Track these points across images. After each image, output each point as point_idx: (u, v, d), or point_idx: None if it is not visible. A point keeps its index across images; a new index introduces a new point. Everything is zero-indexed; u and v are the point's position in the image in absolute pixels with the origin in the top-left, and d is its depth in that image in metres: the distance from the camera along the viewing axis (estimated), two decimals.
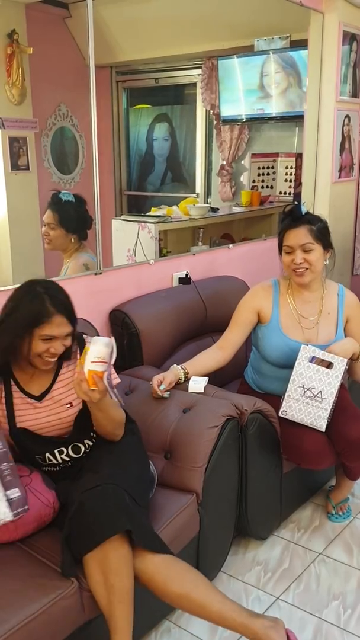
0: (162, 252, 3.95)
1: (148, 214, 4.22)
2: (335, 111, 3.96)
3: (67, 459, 2.08)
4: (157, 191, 5.79)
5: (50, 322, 1.91)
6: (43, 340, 1.92)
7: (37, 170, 4.36)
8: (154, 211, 4.28)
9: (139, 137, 5.82)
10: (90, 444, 2.11)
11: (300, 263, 2.50)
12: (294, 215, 2.55)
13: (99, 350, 1.80)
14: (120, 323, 2.80)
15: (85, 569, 1.80)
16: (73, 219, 3.05)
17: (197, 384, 2.56)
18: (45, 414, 2.04)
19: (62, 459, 2.08)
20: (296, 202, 2.60)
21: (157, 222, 3.85)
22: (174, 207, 4.27)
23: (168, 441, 2.32)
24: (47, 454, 2.06)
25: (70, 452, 2.08)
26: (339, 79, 3.92)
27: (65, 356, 2.04)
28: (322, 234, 2.55)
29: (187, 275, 3.22)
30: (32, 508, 1.93)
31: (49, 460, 2.07)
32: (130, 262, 3.75)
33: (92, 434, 2.10)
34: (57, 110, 4.74)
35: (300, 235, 2.50)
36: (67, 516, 1.85)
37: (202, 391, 2.53)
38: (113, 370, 2.05)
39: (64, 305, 1.96)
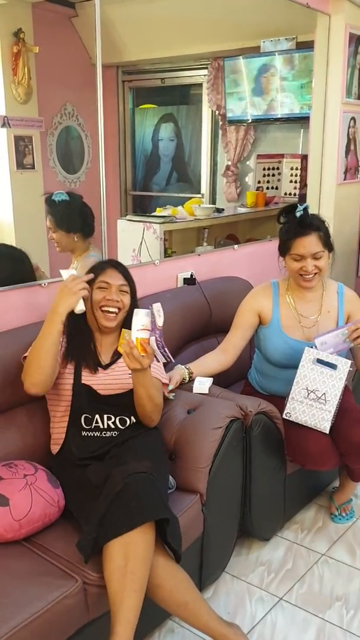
0: (167, 253, 3.95)
1: (153, 214, 4.22)
2: (341, 113, 3.96)
3: (113, 426, 2.20)
4: (162, 191, 5.79)
5: (104, 272, 2.27)
6: (100, 288, 2.24)
7: (42, 170, 4.37)
8: (159, 211, 4.29)
9: (144, 137, 5.83)
10: (135, 422, 2.24)
11: (311, 270, 2.51)
12: (303, 223, 2.51)
13: (141, 319, 2.04)
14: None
15: (107, 553, 1.81)
16: (70, 218, 3.04)
17: (202, 385, 2.56)
18: (109, 377, 2.25)
19: (107, 425, 2.20)
20: (300, 204, 2.56)
21: (162, 223, 3.85)
22: (179, 208, 4.27)
23: (172, 442, 2.33)
24: (97, 415, 2.20)
25: (117, 422, 2.21)
26: (344, 80, 3.92)
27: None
28: (328, 238, 2.55)
29: (192, 275, 3.23)
30: (37, 507, 1.94)
31: (96, 422, 2.19)
32: (135, 262, 3.75)
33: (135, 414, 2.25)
34: (63, 109, 4.75)
35: (312, 244, 2.49)
36: (105, 496, 1.88)
37: (207, 392, 2.54)
38: (163, 372, 2.39)
39: (118, 265, 2.33)
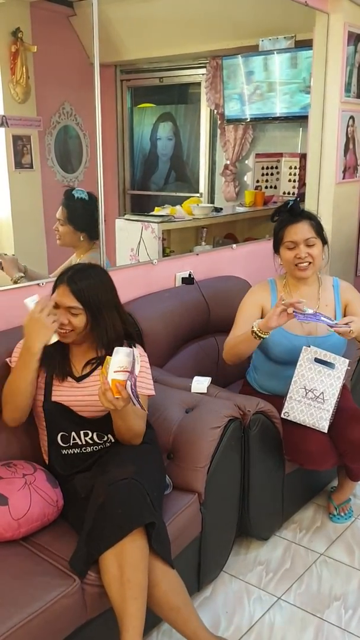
0: (166, 252, 3.95)
1: (151, 213, 4.22)
2: (340, 112, 3.96)
3: (91, 442, 2.13)
4: (160, 191, 5.79)
5: (57, 289, 2.10)
6: (55, 307, 2.09)
7: (40, 169, 4.37)
8: (157, 211, 4.29)
9: (142, 136, 5.82)
10: (113, 439, 2.15)
11: (305, 257, 2.52)
12: (293, 211, 2.57)
13: (121, 359, 1.86)
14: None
15: (102, 564, 1.81)
16: (82, 217, 3.04)
17: (200, 385, 2.56)
18: (82, 393, 2.13)
19: (85, 441, 2.12)
20: (293, 199, 2.62)
21: (161, 222, 3.85)
22: (178, 207, 4.27)
23: (171, 441, 2.32)
24: (73, 433, 2.11)
25: (95, 437, 2.13)
26: (343, 79, 3.92)
27: (106, 349, 2.13)
28: (320, 229, 2.59)
29: (190, 275, 3.23)
30: (35, 506, 1.94)
31: (73, 439, 2.12)
32: (134, 261, 3.75)
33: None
34: (61, 108, 4.74)
35: (303, 230, 2.52)
36: (90, 509, 1.87)
37: (205, 391, 2.54)
38: (150, 382, 2.20)
39: (76, 283, 2.08)
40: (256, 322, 2.40)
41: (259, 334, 2.39)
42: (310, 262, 2.53)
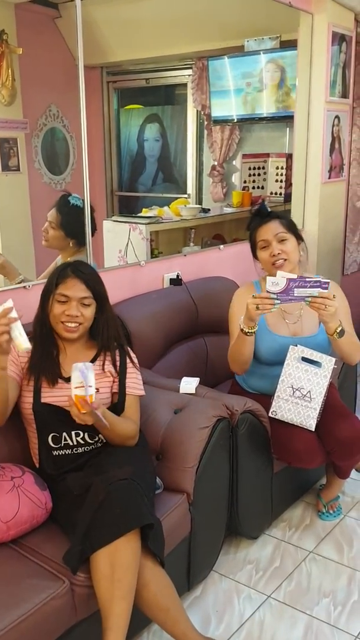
0: (154, 253, 3.96)
1: (139, 214, 4.23)
2: (325, 112, 3.98)
3: (82, 442, 2.13)
4: (148, 192, 5.80)
5: (65, 282, 2.08)
6: (59, 302, 2.08)
7: (27, 171, 4.36)
8: (145, 212, 4.29)
9: (129, 137, 5.83)
10: (105, 440, 2.15)
11: (278, 254, 2.53)
12: (261, 213, 2.62)
13: (76, 376, 1.89)
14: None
15: (94, 562, 1.82)
16: (75, 225, 3.02)
17: (189, 385, 2.57)
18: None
19: (77, 441, 2.12)
20: (260, 202, 2.66)
21: (148, 223, 3.86)
22: (165, 208, 4.28)
23: (159, 442, 2.33)
24: (64, 433, 2.11)
25: (86, 437, 2.13)
26: (328, 79, 3.94)
27: (104, 345, 2.19)
28: (292, 225, 2.61)
29: (178, 276, 3.23)
30: (24, 509, 1.94)
31: (65, 440, 2.11)
32: (122, 263, 3.76)
33: None
34: (48, 110, 4.74)
35: (272, 227, 2.56)
36: (87, 507, 1.87)
37: (194, 392, 2.55)
38: (140, 382, 2.25)
39: (83, 273, 2.12)
40: (241, 319, 2.41)
41: (247, 330, 2.40)
42: (285, 259, 2.54)
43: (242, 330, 2.41)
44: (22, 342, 1.87)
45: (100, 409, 1.96)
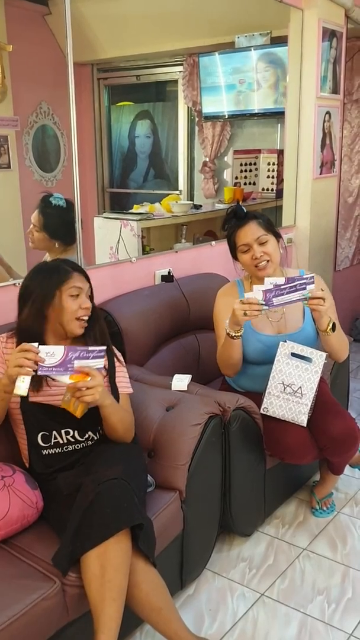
0: (145, 250, 3.94)
1: (130, 211, 4.21)
2: (316, 107, 3.97)
3: (72, 440, 2.11)
4: (139, 188, 5.78)
5: (72, 277, 2.08)
6: (72, 296, 2.06)
7: (18, 169, 4.34)
8: (136, 208, 4.28)
9: (121, 134, 5.81)
10: (95, 437, 2.14)
11: (261, 256, 2.52)
12: (238, 215, 2.59)
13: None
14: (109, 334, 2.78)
15: (84, 563, 1.80)
16: (58, 226, 2.98)
17: (180, 382, 2.56)
18: (60, 387, 2.05)
19: (67, 439, 2.10)
20: (236, 203, 2.67)
21: (140, 220, 3.84)
22: (157, 204, 4.27)
23: (151, 439, 2.32)
24: (54, 432, 2.09)
25: (76, 435, 2.11)
26: (319, 75, 3.93)
27: (95, 342, 2.15)
28: (270, 225, 2.60)
29: (169, 272, 3.22)
30: (14, 508, 1.93)
31: (54, 438, 2.09)
32: (113, 259, 3.74)
33: (98, 427, 2.13)
34: (38, 108, 4.71)
35: (252, 230, 2.54)
36: (77, 507, 1.86)
37: (186, 389, 2.54)
38: (127, 380, 2.24)
39: (79, 267, 2.16)
40: (226, 323, 2.41)
41: (233, 334, 2.40)
42: (268, 260, 2.54)
43: (228, 334, 2.40)
44: (23, 388, 1.83)
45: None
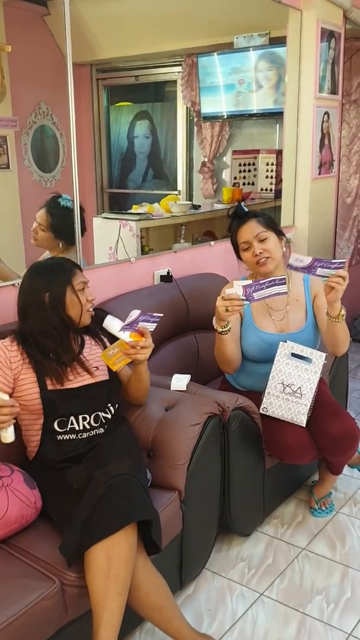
0: (144, 250, 3.94)
1: (129, 211, 4.21)
2: (315, 108, 3.97)
3: (88, 427, 2.16)
4: (138, 189, 5.78)
5: (76, 273, 2.22)
6: (80, 290, 2.20)
7: (17, 169, 4.34)
8: (135, 209, 4.28)
9: (119, 134, 5.81)
10: (108, 417, 2.22)
11: (260, 253, 2.53)
12: (238, 214, 2.62)
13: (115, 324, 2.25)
14: (101, 322, 2.78)
15: (89, 557, 1.80)
16: (65, 227, 2.98)
17: (180, 382, 2.56)
18: (77, 376, 2.19)
19: (83, 425, 2.15)
20: (237, 203, 2.70)
21: (139, 220, 3.84)
22: (156, 205, 4.27)
23: (150, 439, 2.32)
24: (72, 417, 2.14)
25: (91, 421, 2.17)
26: (317, 75, 3.93)
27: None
28: (271, 222, 2.61)
29: (168, 272, 3.22)
30: (13, 508, 1.92)
31: (71, 424, 2.13)
32: (112, 260, 3.74)
33: (109, 405, 2.23)
34: (37, 108, 4.71)
35: (252, 228, 2.56)
36: (87, 499, 1.87)
37: (185, 389, 2.54)
38: None
39: (75, 263, 2.29)
40: (214, 320, 2.43)
41: (221, 330, 2.43)
42: (268, 257, 2.54)
43: (216, 330, 2.42)
44: (10, 437, 1.93)
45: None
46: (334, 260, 2.27)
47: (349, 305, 4.77)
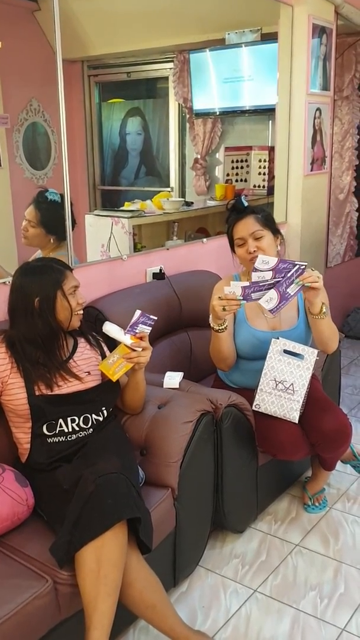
0: (137, 247, 3.93)
1: (122, 208, 4.20)
2: (306, 104, 3.97)
3: (77, 429, 2.15)
4: (130, 185, 5.76)
5: (68, 275, 2.19)
6: (71, 294, 2.18)
7: (9, 166, 4.31)
8: (127, 206, 4.26)
9: (111, 131, 5.79)
10: (100, 419, 2.21)
11: (254, 251, 2.52)
12: (237, 209, 2.61)
13: (116, 329, 2.20)
14: (93, 319, 2.77)
15: (80, 558, 1.80)
16: (55, 221, 2.97)
17: (172, 380, 2.56)
18: (67, 375, 2.18)
19: (72, 427, 2.14)
20: (237, 197, 2.68)
21: (131, 217, 3.83)
22: (148, 202, 4.25)
23: (143, 437, 2.32)
24: (60, 420, 2.12)
25: (81, 423, 2.16)
26: (309, 72, 3.93)
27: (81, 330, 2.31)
28: (268, 220, 2.60)
29: (161, 270, 3.22)
30: (4, 506, 1.92)
31: (60, 427, 2.12)
32: (104, 257, 3.73)
33: (102, 408, 2.22)
34: (29, 105, 4.68)
35: (248, 225, 2.55)
36: (77, 499, 1.87)
37: (177, 386, 2.54)
38: None
39: (66, 265, 2.26)
40: (210, 318, 2.43)
41: (217, 328, 2.44)
42: None
43: (212, 328, 2.42)
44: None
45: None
46: (296, 262, 2.28)
47: (342, 301, 4.79)
